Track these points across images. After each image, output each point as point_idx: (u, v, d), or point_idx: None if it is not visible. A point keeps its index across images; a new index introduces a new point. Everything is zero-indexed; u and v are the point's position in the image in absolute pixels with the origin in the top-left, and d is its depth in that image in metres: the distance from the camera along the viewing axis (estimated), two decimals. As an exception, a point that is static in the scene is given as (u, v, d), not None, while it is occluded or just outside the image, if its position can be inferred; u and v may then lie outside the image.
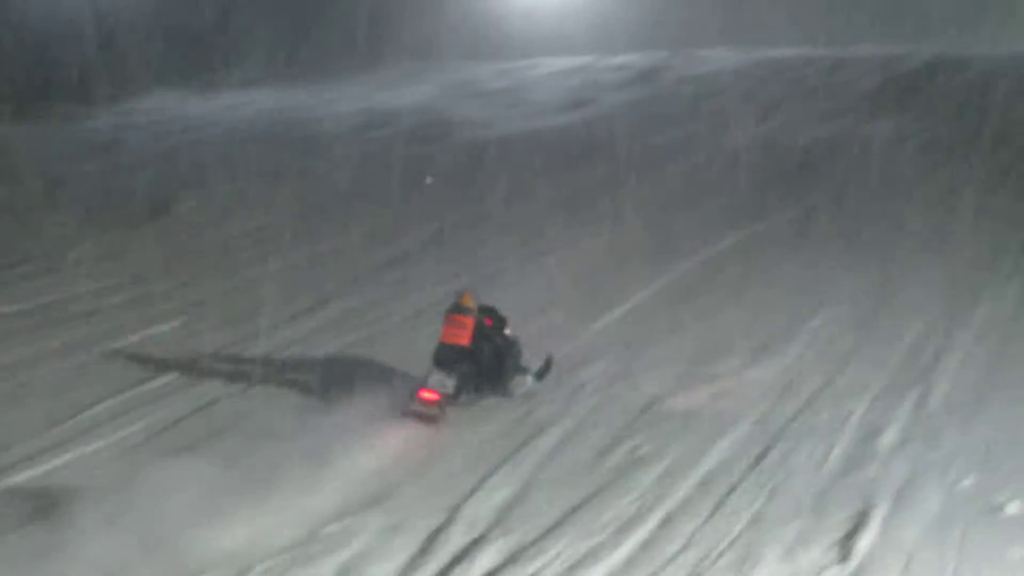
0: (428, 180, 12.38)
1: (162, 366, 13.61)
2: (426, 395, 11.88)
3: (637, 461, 11.16)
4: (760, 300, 15.57)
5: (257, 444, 11.20)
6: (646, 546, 9.70)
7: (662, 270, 16.82)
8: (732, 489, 10.60)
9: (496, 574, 9.36)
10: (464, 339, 12.04)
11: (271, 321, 14.94)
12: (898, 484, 10.54)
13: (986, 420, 11.73)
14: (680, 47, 32.62)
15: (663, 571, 9.34)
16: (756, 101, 27.16)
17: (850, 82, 27.65)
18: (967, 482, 10.50)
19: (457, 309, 12.20)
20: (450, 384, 11.85)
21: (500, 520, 10.15)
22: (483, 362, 12.23)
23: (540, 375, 12.67)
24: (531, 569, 9.37)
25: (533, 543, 9.73)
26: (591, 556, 9.55)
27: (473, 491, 10.61)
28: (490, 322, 12.43)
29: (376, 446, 11.33)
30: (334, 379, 12.97)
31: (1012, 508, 10.02)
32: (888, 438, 11.47)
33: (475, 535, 9.88)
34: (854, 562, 9.35)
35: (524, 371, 12.61)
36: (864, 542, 9.59)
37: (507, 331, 12.52)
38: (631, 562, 9.49)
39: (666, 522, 10.07)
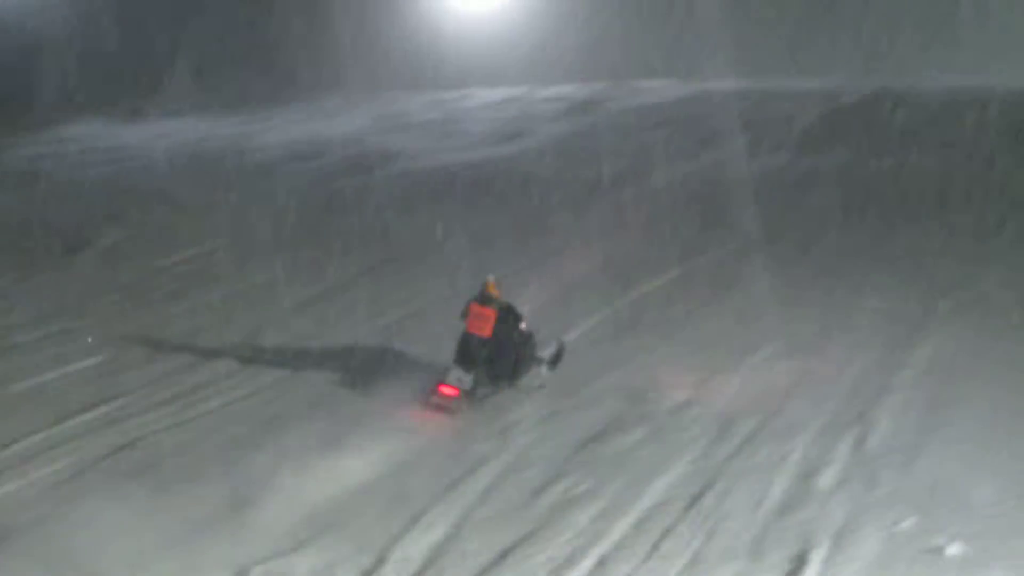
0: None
1: (82, 403, 13.24)
2: (446, 390, 12.76)
3: (572, 500, 10.97)
4: (699, 335, 15.41)
5: (182, 485, 11.09)
6: (581, 589, 9.46)
7: (603, 303, 16.52)
8: (668, 530, 10.41)
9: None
10: (486, 331, 12.97)
11: (192, 358, 14.67)
12: (837, 525, 10.38)
13: (926, 461, 11.58)
14: (618, 78, 32.54)
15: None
16: (695, 134, 27.08)
17: (789, 116, 27.70)
18: (907, 523, 10.34)
19: (483, 300, 13.10)
20: (468, 380, 12.74)
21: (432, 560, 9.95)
22: (502, 353, 13.03)
23: (553, 363, 13.42)
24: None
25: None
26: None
27: (405, 531, 10.39)
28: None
29: (305, 486, 11.08)
30: (261, 415, 12.82)
31: (952, 549, 9.88)
32: (826, 478, 11.30)
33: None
34: (794, 605, 9.14)
35: (539, 362, 13.38)
36: (803, 585, 9.40)
37: (523, 325, 13.22)
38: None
39: (601, 564, 9.86)
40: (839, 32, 31.66)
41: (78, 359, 14.75)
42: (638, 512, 10.69)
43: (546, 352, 13.56)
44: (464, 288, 14.80)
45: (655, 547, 10.08)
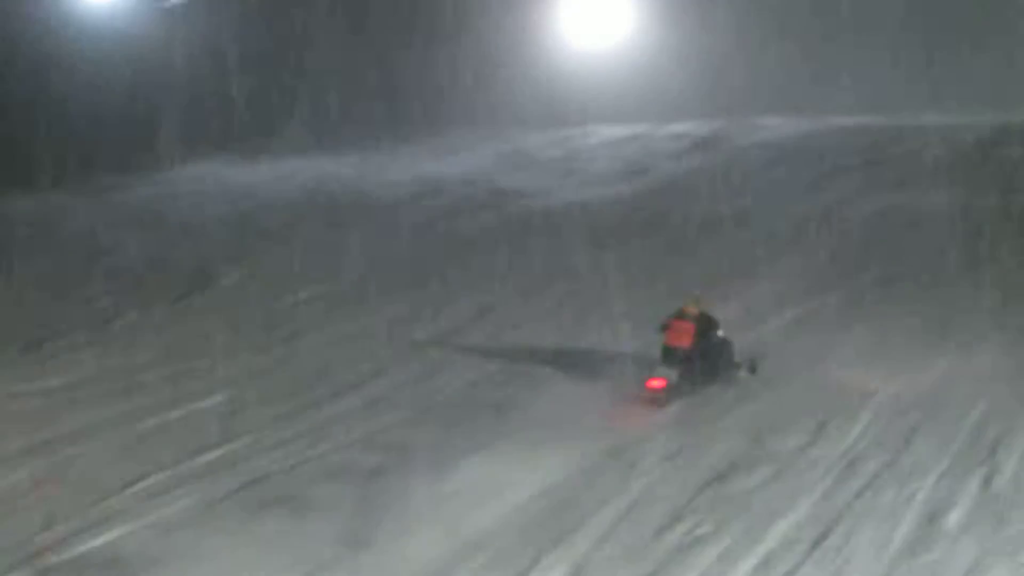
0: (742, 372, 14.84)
1: (206, 442, 13.28)
2: (654, 383, 14.14)
3: (695, 541, 10.79)
4: (821, 376, 15.10)
5: (306, 522, 11.31)
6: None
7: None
8: (793, 571, 10.21)
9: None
10: (686, 342, 14.33)
11: (313, 397, 14.74)
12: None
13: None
14: (736, 114, 32.02)
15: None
16: (816, 170, 26.57)
17: (912, 152, 26.88)
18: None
19: (680, 315, 14.50)
20: (673, 375, 14.12)
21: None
22: (705, 359, 14.31)
23: (753, 368, 14.80)
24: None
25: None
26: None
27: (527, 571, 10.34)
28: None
29: (439, 521, 11.21)
30: (386, 459, 12.83)
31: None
32: (954, 519, 11.02)
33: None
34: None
35: (737, 367, 14.78)
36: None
37: (720, 333, 14.62)
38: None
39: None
40: (964, 67, 30.74)
41: (201, 398, 14.75)
42: (762, 552, 10.51)
43: (743, 359, 14.79)
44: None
45: None
